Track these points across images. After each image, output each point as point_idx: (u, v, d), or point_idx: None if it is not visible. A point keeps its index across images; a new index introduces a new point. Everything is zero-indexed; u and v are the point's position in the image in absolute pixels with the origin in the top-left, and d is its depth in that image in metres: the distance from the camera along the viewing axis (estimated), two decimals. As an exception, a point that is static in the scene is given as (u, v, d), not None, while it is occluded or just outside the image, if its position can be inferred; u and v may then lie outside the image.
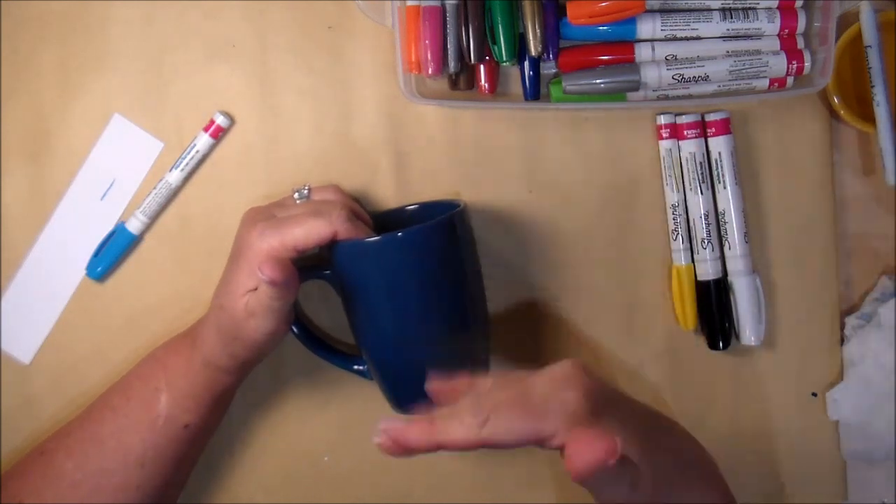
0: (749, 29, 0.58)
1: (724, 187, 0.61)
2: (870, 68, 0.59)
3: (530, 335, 0.62)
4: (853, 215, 0.63)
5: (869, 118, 0.59)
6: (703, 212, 0.61)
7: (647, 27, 0.58)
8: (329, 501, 0.62)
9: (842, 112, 0.60)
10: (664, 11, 0.58)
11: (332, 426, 0.62)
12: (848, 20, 0.60)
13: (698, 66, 0.58)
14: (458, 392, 0.43)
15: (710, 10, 0.58)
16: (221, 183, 0.61)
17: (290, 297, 0.51)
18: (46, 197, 0.60)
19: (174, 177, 0.60)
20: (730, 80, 0.58)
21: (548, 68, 0.60)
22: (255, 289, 0.51)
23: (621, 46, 0.59)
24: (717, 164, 0.61)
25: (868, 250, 0.63)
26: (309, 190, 0.56)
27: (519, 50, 0.58)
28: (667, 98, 0.59)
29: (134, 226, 0.60)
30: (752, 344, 0.61)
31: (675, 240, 0.61)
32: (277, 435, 0.62)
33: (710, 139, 0.61)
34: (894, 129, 0.59)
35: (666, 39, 0.59)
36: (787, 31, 0.59)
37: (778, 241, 0.63)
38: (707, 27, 0.58)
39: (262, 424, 0.62)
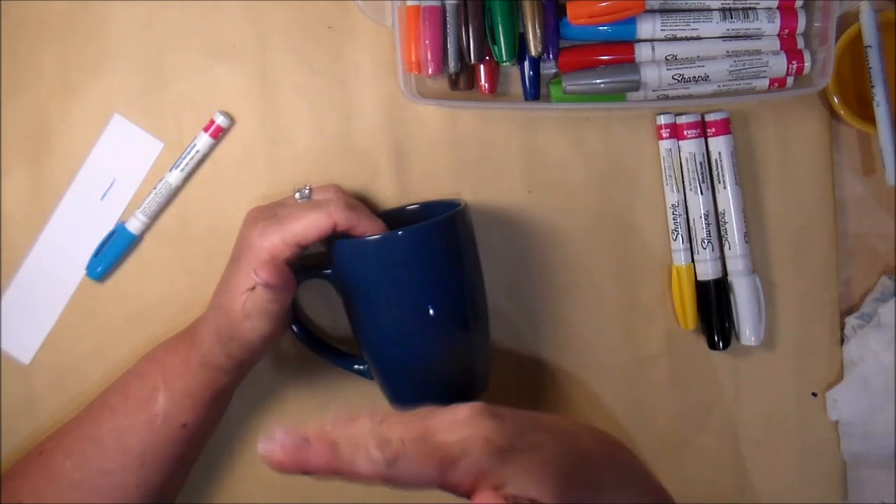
0: (749, 29, 0.58)
1: (724, 187, 0.61)
2: (870, 68, 0.59)
3: (530, 334, 0.62)
4: (853, 215, 0.63)
5: (869, 118, 0.59)
6: (703, 212, 0.61)
7: (647, 27, 0.58)
8: (329, 501, 0.62)
9: (842, 112, 0.60)
10: (664, 11, 0.58)
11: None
12: (848, 20, 0.60)
13: (698, 66, 0.58)
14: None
15: (710, 10, 0.58)
16: (221, 183, 0.61)
17: (286, 300, 0.51)
18: (46, 197, 0.60)
19: (174, 177, 0.60)
20: (730, 80, 0.58)
21: (548, 68, 0.60)
22: (253, 289, 0.51)
23: (621, 46, 0.59)
24: (717, 164, 0.61)
25: (868, 250, 0.63)
26: (310, 190, 0.56)
27: (519, 50, 0.58)
28: (667, 98, 0.59)
29: (134, 226, 0.60)
30: (752, 344, 0.61)
31: (675, 240, 0.61)
32: (277, 435, 0.62)
33: (710, 139, 0.61)
34: (894, 129, 0.59)
35: (666, 39, 0.59)
36: (787, 31, 0.59)
37: (778, 241, 0.63)
38: (707, 27, 0.58)
39: (261, 424, 0.62)
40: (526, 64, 0.59)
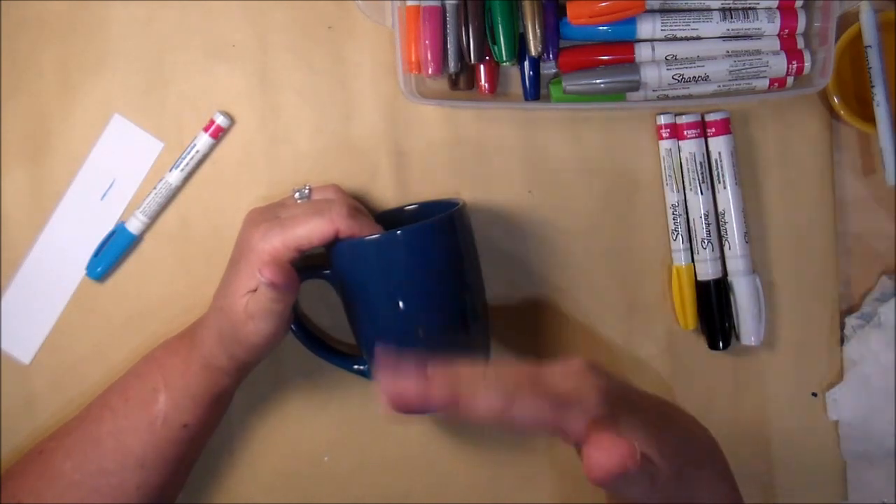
0: (749, 29, 0.58)
1: (724, 187, 0.61)
2: (870, 68, 0.59)
3: (530, 335, 0.62)
4: (853, 215, 0.63)
5: (869, 118, 0.59)
6: (703, 212, 0.61)
7: (647, 27, 0.58)
8: (329, 501, 0.62)
9: (842, 112, 0.60)
10: (664, 11, 0.58)
11: (332, 426, 0.62)
12: (848, 20, 0.60)
13: (698, 66, 0.58)
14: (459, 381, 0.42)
15: (710, 10, 0.58)
16: (221, 183, 0.61)
17: (290, 300, 0.51)
18: (46, 197, 0.60)
19: (174, 177, 0.60)
20: (730, 80, 0.58)
21: (548, 68, 0.60)
22: (255, 291, 0.51)
23: (621, 46, 0.59)
24: (717, 164, 0.61)
25: (868, 250, 0.63)
26: (309, 190, 0.56)
27: (519, 50, 0.58)
28: (667, 98, 0.59)
29: (134, 226, 0.60)
30: (752, 344, 0.61)
31: (675, 240, 0.61)
32: (277, 435, 0.62)
33: (710, 139, 0.61)
34: (894, 129, 0.59)
35: (666, 39, 0.59)
36: (787, 31, 0.59)
37: (778, 241, 0.63)
38: (707, 27, 0.58)
39: (261, 424, 0.62)
40: (526, 64, 0.59)
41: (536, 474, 0.63)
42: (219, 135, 0.60)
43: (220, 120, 0.59)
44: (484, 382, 0.39)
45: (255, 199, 0.60)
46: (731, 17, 0.58)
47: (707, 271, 0.61)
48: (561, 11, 0.58)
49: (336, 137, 0.61)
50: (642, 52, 0.59)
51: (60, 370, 0.61)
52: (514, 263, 0.62)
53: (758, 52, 0.58)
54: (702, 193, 0.61)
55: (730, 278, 0.61)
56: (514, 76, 0.61)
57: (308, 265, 0.55)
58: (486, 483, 0.63)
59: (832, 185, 0.63)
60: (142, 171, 0.61)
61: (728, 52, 0.59)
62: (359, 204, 0.57)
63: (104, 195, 0.61)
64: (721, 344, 0.62)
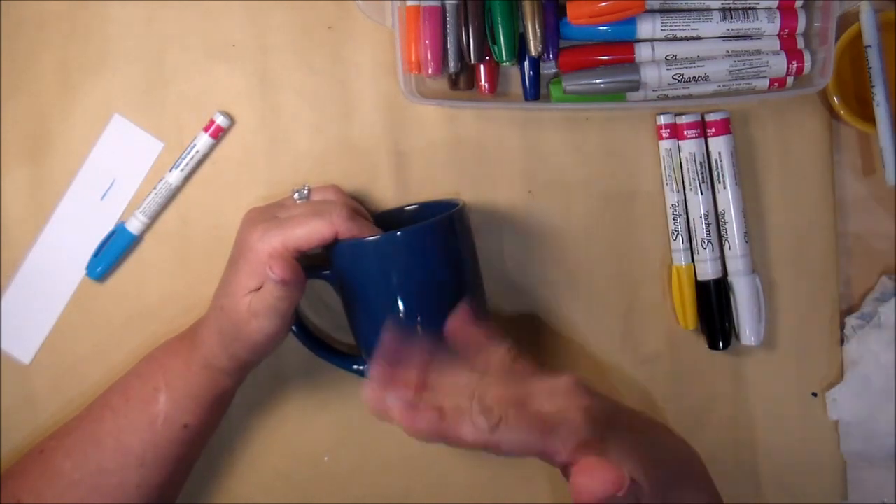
0: (749, 29, 0.58)
1: (724, 187, 0.61)
2: (870, 68, 0.59)
3: (530, 335, 0.62)
4: (853, 215, 0.63)
5: (869, 118, 0.59)
6: (703, 212, 0.61)
7: (647, 27, 0.58)
8: (329, 501, 0.62)
9: (842, 112, 0.60)
10: (664, 11, 0.58)
11: (332, 426, 0.62)
12: (848, 20, 0.60)
13: (698, 66, 0.58)
14: (473, 342, 0.43)
15: (710, 10, 0.58)
16: (221, 183, 0.61)
17: (297, 298, 0.51)
18: (46, 197, 0.60)
19: (174, 177, 0.60)
20: (730, 80, 0.58)
21: (548, 68, 0.60)
22: (257, 290, 0.51)
23: (621, 46, 0.59)
24: (717, 164, 0.61)
25: (868, 250, 0.63)
26: (308, 190, 0.56)
27: (519, 50, 0.58)
28: (667, 98, 0.59)
29: (134, 226, 0.60)
30: (752, 344, 0.61)
31: (675, 240, 0.61)
32: (277, 435, 0.62)
33: (710, 139, 0.61)
34: (894, 129, 0.59)
35: (666, 39, 0.59)
36: (787, 31, 0.59)
37: (778, 241, 0.63)
38: (707, 27, 0.58)
39: (261, 424, 0.62)
40: (526, 64, 0.59)
41: (536, 474, 0.63)
42: (219, 135, 0.60)
43: (220, 120, 0.59)
44: (470, 411, 0.40)
45: (255, 199, 0.60)
46: (731, 17, 0.58)
47: (707, 271, 0.61)
48: (561, 11, 0.58)
49: (336, 137, 0.61)
50: (642, 52, 0.59)
51: (60, 370, 0.61)
52: (514, 263, 0.62)
53: (758, 52, 0.58)
54: (702, 193, 0.61)
55: (730, 278, 0.61)
56: (514, 76, 0.61)
57: (308, 265, 0.55)
58: (486, 483, 0.63)
59: (832, 185, 0.63)
60: (142, 171, 0.61)
61: (728, 52, 0.59)
62: (358, 205, 0.57)
63: (104, 195, 0.61)
64: (721, 344, 0.62)
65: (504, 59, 0.57)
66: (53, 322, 0.61)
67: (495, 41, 0.57)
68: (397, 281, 0.52)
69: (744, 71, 0.58)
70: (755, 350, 0.62)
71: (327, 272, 0.55)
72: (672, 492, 0.45)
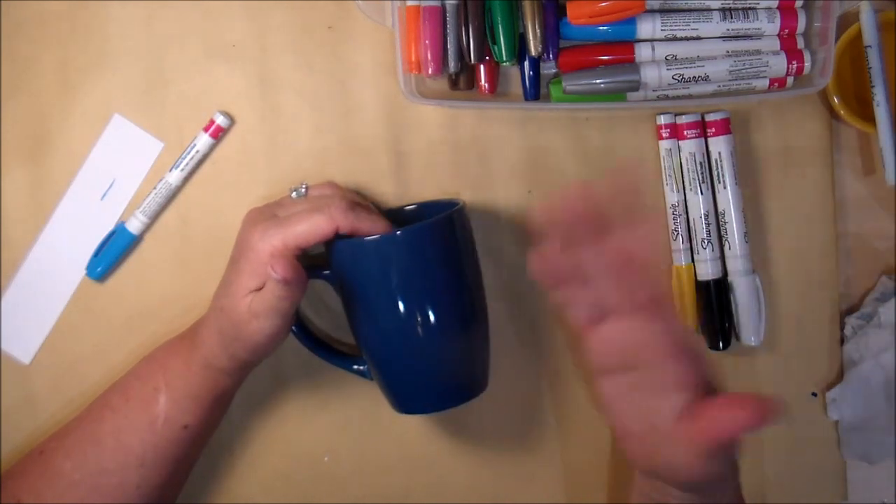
0: (749, 29, 0.58)
1: (724, 187, 0.61)
2: (870, 68, 0.59)
3: (530, 335, 0.62)
4: (853, 215, 0.63)
5: (869, 118, 0.59)
6: (703, 212, 0.61)
7: (647, 27, 0.58)
8: (329, 501, 0.62)
9: (842, 112, 0.60)
10: (664, 11, 0.58)
11: (332, 426, 0.62)
12: (848, 20, 0.60)
13: (698, 66, 0.58)
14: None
15: (710, 10, 0.58)
16: (221, 183, 0.61)
17: (298, 298, 0.51)
18: (46, 197, 0.60)
19: (174, 177, 0.60)
20: (730, 80, 0.58)
21: (548, 68, 0.60)
22: (258, 290, 0.51)
23: (621, 46, 0.59)
24: (717, 164, 0.61)
25: (868, 250, 0.63)
26: (306, 188, 0.56)
27: (519, 50, 0.58)
28: (667, 98, 0.59)
29: (134, 226, 0.60)
30: (752, 344, 0.61)
31: (675, 240, 0.61)
32: (277, 435, 0.62)
33: (710, 139, 0.61)
34: (894, 129, 0.59)
35: (666, 39, 0.59)
36: (787, 31, 0.59)
37: (778, 241, 0.63)
38: (707, 27, 0.58)
39: (262, 424, 0.62)
40: (526, 64, 0.59)
41: (536, 474, 0.63)
42: (219, 135, 0.60)
43: (220, 120, 0.59)
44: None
45: (255, 199, 0.60)
46: (731, 17, 0.58)
47: (707, 271, 0.61)
48: (561, 11, 0.58)
49: (336, 137, 0.61)
50: (642, 52, 0.59)
51: (60, 370, 0.61)
52: (514, 263, 0.62)
53: (758, 52, 0.58)
54: (702, 193, 0.61)
55: (730, 278, 0.61)
56: (514, 76, 0.61)
57: (307, 265, 0.55)
58: (486, 483, 0.63)
59: (832, 185, 0.63)
60: (142, 171, 0.61)
61: (728, 52, 0.58)
62: (357, 196, 0.57)
63: (104, 195, 0.61)
64: (721, 344, 0.62)
65: (504, 59, 0.57)
66: (53, 322, 0.61)
67: (495, 41, 0.57)
68: (397, 281, 0.52)
69: (744, 71, 0.58)
70: (755, 350, 0.62)
71: (327, 272, 0.55)
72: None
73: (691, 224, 0.61)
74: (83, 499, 0.53)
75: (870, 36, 0.59)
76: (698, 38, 0.59)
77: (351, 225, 0.51)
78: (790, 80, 0.59)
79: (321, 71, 0.61)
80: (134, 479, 0.54)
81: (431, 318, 0.53)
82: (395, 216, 0.60)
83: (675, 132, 0.61)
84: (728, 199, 0.61)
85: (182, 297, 0.60)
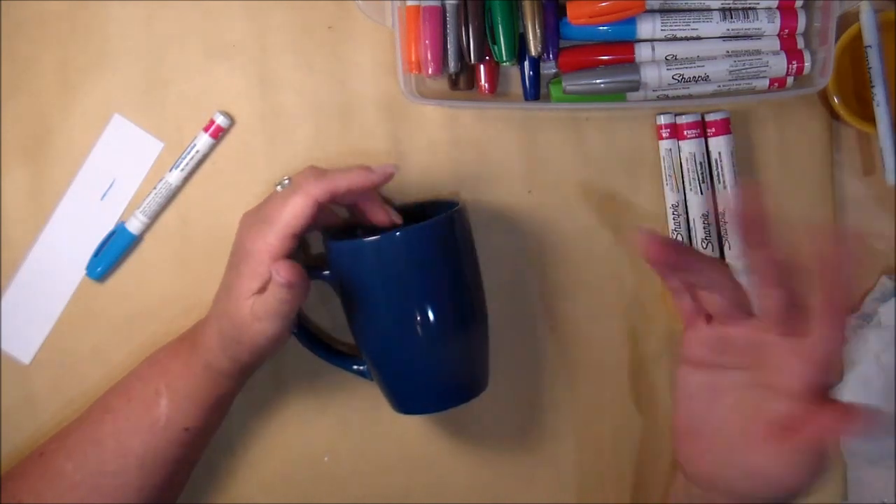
0: (749, 29, 0.58)
1: (724, 187, 0.61)
2: (870, 68, 0.59)
3: (530, 335, 0.62)
4: (853, 215, 0.63)
5: (869, 118, 0.59)
6: (703, 212, 0.61)
7: (647, 27, 0.58)
8: (329, 502, 0.62)
9: (842, 112, 0.60)
10: (664, 11, 0.58)
11: (332, 426, 0.62)
12: (848, 20, 0.60)
13: (698, 66, 0.58)
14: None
15: (710, 10, 0.58)
16: (221, 183, 0.61)
17: (301, 300, 0.50)
18: (46, 197, 0.60)
19: (174, 177, 0.60)
20: (730, 80, 0.58)
21: (548, 68, 0.60)
22: (260, 292, 0.51)
23: (621, 46, 0.59)
24: (717, 164, 0.61)
25: (868, 250, 0.63)
26: (289, 180, 0.56)
27: (519, 50, 0.58)
28: (667, 98, 0.59)
29: (134, 226, 0.60)
30: (752, 344, 0.61)
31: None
32: (277, 435, 0.62)
33: (710, 139, 0.61)
34: (894, 129, 0.59)
35: (666, 39, 0.59)
36: (787, 31, 0.59)
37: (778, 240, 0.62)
38: (707, 27, 0.58)
39: (262, 425, 0.62)
40: (526, 64, 0.59)
41: (536, 474, 0.63)
42: (219, 135, 0.60)
43: (220, 120, 0.59)
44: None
45: (255, 199, 0.60)
46: (731, 17, 0.58)
47: (707, 271, 0.61)
48: (561, 11, 0.58)
49: (336, 137, 0.61)
50: (642, 52, 0.59)
51: (60, 370, 0.61)
52: (514, 263, 0.62)
53: (758, 52, 0.58)
54: (702, 193, 0.61)
55: (730, 278, 0.61)
56: (514, 76, 0.61)
57: (308, 266, 0.55)
58: (486, 483, 0.63)
59: (832, 185, 0.63)
60: (142, 171, 0.61)
61: (728, 52, 0.59)
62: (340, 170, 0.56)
63: (104, 195, 0.61)
64: (721, 344, 0.61)
65: (504, 59, 0.57)
66: (53, 322, 0.61)
67: (495, 41, 0.57)
68: (396, 281, 0.52)
69: (744, 71, 0.58)
70: (755, 350, 0.62)
71: (327, 273, 0.55)
72: None
73: (691, 224, 0.61)
74: (83, 500, 0.53)
75: (870, 36, 0.59)
76: (698, 38, 0.59)
77: (327, 189, 0.51)
78: (790, 80, 0.59)
79: (321, 71, 0.61)
80: (134, 480, 0.54)
81: (431, 318, 0.53)
82: (395, 216, 0.60)
83: (675, 132, 0.61)
84: (728, 199, 0.61)
85: (182, 298, 0.60)
